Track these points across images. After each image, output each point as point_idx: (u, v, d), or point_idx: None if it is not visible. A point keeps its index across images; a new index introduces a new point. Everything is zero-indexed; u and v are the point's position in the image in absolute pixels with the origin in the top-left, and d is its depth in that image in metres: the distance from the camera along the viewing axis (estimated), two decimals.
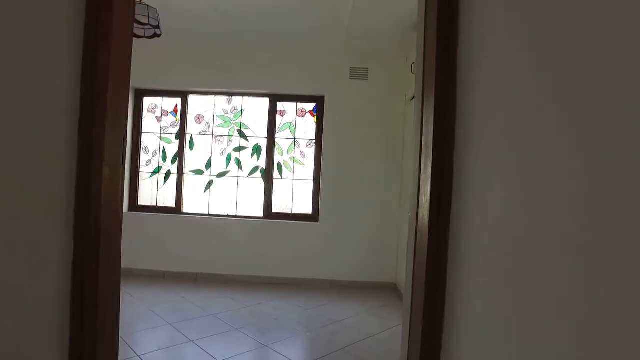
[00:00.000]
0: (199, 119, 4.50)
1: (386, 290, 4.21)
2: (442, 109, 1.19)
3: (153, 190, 4.49)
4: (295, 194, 4.46)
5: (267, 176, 4.43)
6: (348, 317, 3.36)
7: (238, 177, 4.46)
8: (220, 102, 4.50)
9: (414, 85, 3.94)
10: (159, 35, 2.79)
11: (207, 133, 4.49)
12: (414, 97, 3.82)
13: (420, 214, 1.25)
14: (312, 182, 4.43)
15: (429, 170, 1.20)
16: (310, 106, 4.48)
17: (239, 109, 4.49)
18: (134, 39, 2.95)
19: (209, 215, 4.43)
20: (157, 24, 2.66)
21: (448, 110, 1.19)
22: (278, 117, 4.48)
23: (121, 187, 1.09)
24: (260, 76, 4.35)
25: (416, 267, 1.30)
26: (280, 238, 4.30)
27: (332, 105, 4.32)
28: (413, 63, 3.66)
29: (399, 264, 4.14)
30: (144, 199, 4.49)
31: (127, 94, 1.11)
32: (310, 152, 4.45)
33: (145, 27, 2.69)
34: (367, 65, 4.31)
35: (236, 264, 4.29)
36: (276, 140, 4.47)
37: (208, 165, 4.48)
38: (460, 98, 1.17)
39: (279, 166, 4.46)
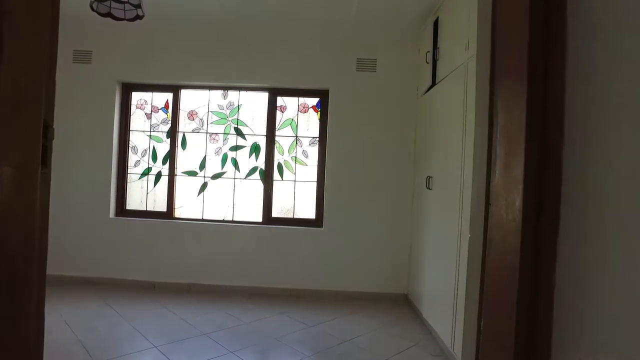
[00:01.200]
0: (192, 115, 4.14)
1: (397, 302, 3.84)
2: (537, 74, 0.80)
3: (142, 194, 4.12)
4: (297, 197, 4.09)
5: (267, 178, 4.06)
6: (358, 335, 2.99)
7: (235, 178, 4.10)
8: (215, 97, 4.13)
9: (425, 78, 3.61)
10: (141, 17, 2.42)
11: (201, 131, 4.13)
12: (427, 91, 3.47)
13: (499, 236, 0.87)
14: (315, 184, 4.06)
15: (518, 171, 0.83)
16: (314, 101, 4.12)
17: (236, 105, 4.12)
18: (116, 22, 2.60)
19: (203, 220, 4.06)
20: (137, 2, 2.29)
21: (552, 76, 0.80)
22: (278, 113, 4.12)
23: (43, 197, 0.71)
24: (259, 68, 3.98)
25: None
26: (281, 245, 3.93)
27: (338, 99, 3.96)
28: (428, 52, 3.29)
29: (410, 273, 3.77)
30: (132, 203, 4.12)
31: (49, 52, 0.74)
32: (314, 151, 4.09)
33: (126, 6, 2.32)
34: (375, 56, 3.94)
35: (233, 273, 3.92)
36: (276, 138, 4.10)
37: (202, 166, 4.11)
38: (576, 55, 0.78)
39: (280, 167, 4.09)
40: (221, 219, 4.08)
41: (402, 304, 3.80)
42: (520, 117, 0.83)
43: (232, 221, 4.06)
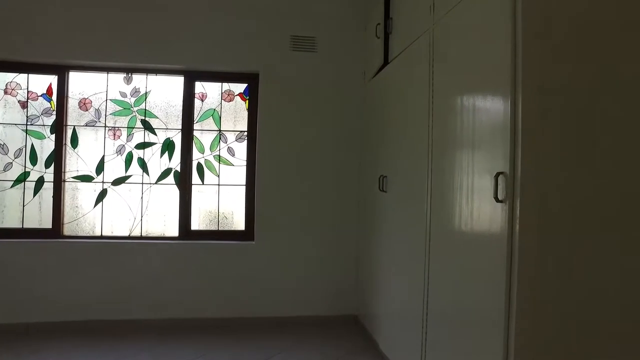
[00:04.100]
0: (84, 104, 3.25)
1: (347, 325, 3.23)
2: None
3: (17, 206, 3.17)
4: (222, 204, 3.35)
5: (184, 182, 3.28)
6: None
7: (143, 183, 3.27)
8: (115, 82, 3.27)
9: (375, 56, 2.96)
10: None
11: (97, 124, 3.25)
12: (378, 72, 2.86)
13: None
14: (244, 187, 3.34)
15: None
16: (241, 87, 3.39)
17: (143, 91, 3.29)
18: None
19: (102, 238, 3.19)
20: None
21: None
22: (197, 102, 3.35)
23: None
24: (172, 46, 3.18)
25: None
26: (204, 265, 3.18)
27: (269, 85, 3.26)
28: (378, 24, 2.69)
29: (360, 291, 3.18)
30: (4, 219, 3.16)
31: None
32: (242, 148, 3.36)
33: None
34: (314, 34, 3.29)
35: (142, 305, 3.10)
36: (195, 133, 3.33)
37: (100, 169, 3.24)
38: None
39: (200, 168, 3.33)
40: (126, 234, 3.24)
41: (353, 327, 3.20)
42: None
43: (141, 237, 3.23)
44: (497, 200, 1.31)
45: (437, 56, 1.85)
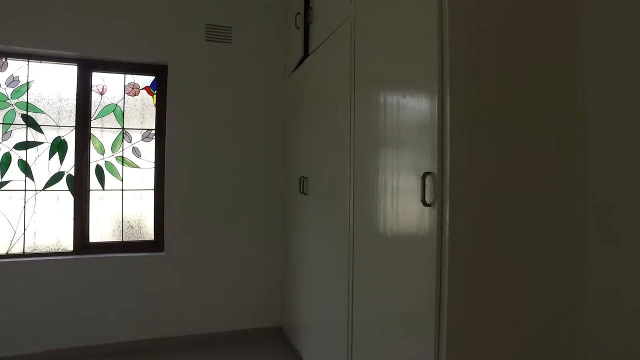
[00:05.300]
0: None
1: (271, 338, 3.01)
2: None
3: None
4: (128, 212, 2.96)
5: (79, 187, 2.83)
6: None
7: (26, 190, 2.76)
8: None
9: (295, 49, 2.70)
10: None
11: None
12: (299, 65, 2.69)
13: None
14: (152, 192, 2.98)
15: None
16: (148, 80, 3.02)
17: (23, 81, 2.78)
18: None
19: None
20: None
21: None
22: (95, 95, 2.91)
23: None
24: (63, 29, 2.71)
25: None
26: (105, 282, 2.76)
27: (180, 78, 2.93)
28: (298, 14, 2.51)
29: (285, 301, 2.98)
30: None
31: None
32: (149, 148, 3.00)
33: None
34: (230, 24, 3.03)
35: (27, 336, 2.61)
36: (93, 131, 2.89)
37: None
38: None
39: (100, 171, 2.90)
40: (3, 252, 2.71)
41: (277, 339, 2.99)
42: None
43: (24, 254, 2.73)
44: (424, 203, 1.19)
45: (359, 48, 1.71)
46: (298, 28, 2.51)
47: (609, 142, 1.17)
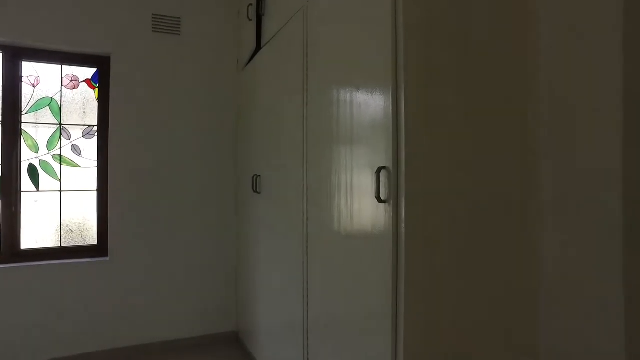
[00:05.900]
0: None
1: (227, 344, 2.89)
2: None
3: None
4: (67, 215, 2.72)
5: (8, 189, 2.57)
6: None
7: None
8: None
9: (248, 42, 2.28)
10: None
11: None
12: (251, 59, 2.56)
13: None
14: (95, 193, 2.77)
15: None
16: (89, 72, 2.79)
17: None
18: None
19: None
20: None
21: None
22: (27, 87, 2.66)
23: None
24: None
25: None
26: (41, 293, 2.53)
27: (124, 71, 2.74)
28: (250, 5, 2.40)
29: (240, 305, 2.86)
30: None
31: None
32: (91, 145, 2.78)
33: None
34: (179, 14, 2.86)
35: None
36: (24, 127, 2.64)
37: None
38: None
39: (33, 170, 2.65)
40: None
41: (233, 346, 2.86)
42: None
43: None
44: (379, 200, 1.13)
45: (312, 40, 1.64)
46: (250, 20, 2.40)
47: (562, 141, 1.17)
